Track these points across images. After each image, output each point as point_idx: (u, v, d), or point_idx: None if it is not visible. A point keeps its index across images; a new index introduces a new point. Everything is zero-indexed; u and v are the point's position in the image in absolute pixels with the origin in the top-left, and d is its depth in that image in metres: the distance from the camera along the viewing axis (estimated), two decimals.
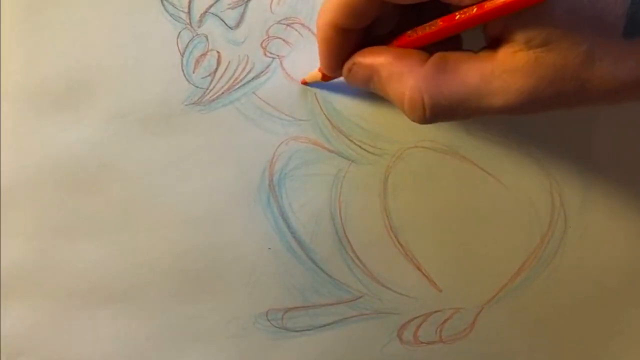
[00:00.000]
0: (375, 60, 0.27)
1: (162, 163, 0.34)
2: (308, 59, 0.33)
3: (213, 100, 0.33)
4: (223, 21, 0.33)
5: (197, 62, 0.33)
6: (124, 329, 0.35)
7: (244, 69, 0.33)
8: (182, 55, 0.33)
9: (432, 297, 0.35)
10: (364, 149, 0.34)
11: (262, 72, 0.33)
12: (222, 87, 0.33)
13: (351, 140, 0.34)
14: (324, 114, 0.34)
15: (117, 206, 0.34)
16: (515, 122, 0.34)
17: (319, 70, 0.32)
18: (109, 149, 0.34)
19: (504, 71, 0.24)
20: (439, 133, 0.34)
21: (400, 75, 0.26)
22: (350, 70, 0.29)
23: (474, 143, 0.34)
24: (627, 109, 0.34)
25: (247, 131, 0.34)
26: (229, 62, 0.33)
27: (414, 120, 0.27)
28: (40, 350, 0.35)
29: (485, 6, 0.24)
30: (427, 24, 0.26)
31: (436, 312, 0.35)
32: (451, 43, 0.27)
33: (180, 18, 0.33)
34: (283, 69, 0.33)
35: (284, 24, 0.33)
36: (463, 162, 0.34)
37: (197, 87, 0.33)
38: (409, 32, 0.27)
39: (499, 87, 0.24)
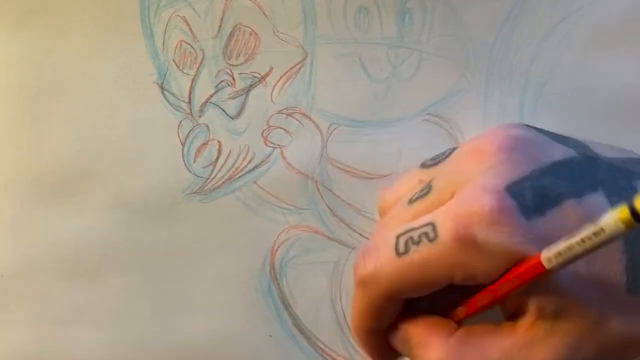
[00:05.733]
0: (408, 326, 0.27)
1: (163, 252, 0.34)
2: (308, 148, 0.33)
3: (214, 189, 0.34)
4: (224, 111, 0.33)
5: (198, 151, 0.33)
6: None
7: (244, 158, 0.33)
8: (183, 144, 0.33)
9: None
10: (364, 237, 0.34)
11: (262, 161, 0.33)
12: (223, 176, 0.34)
13: (352, 228, 0.34)
14: (325, 202, 0.34)
15: (119, 295, 0.34)
16: None
17: None
18: (111, 238, 0.34)
19: (523, 345, 0.24)
20: None
21: (427, 345, 0.26)
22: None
23: None
24: None
25: (248, 220, 0.34)
26: (230, 152, 0.33)
27: None
28: None
29: (496, 286, 0.24)
30: (462, 305, 0.27)
31: None
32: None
33: (181, 108, 0.33)
34: (284, 158, 0.33)
35: (285, 113, 0.33)
36: None
37: (197, 176, 0.33)
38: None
39: None
